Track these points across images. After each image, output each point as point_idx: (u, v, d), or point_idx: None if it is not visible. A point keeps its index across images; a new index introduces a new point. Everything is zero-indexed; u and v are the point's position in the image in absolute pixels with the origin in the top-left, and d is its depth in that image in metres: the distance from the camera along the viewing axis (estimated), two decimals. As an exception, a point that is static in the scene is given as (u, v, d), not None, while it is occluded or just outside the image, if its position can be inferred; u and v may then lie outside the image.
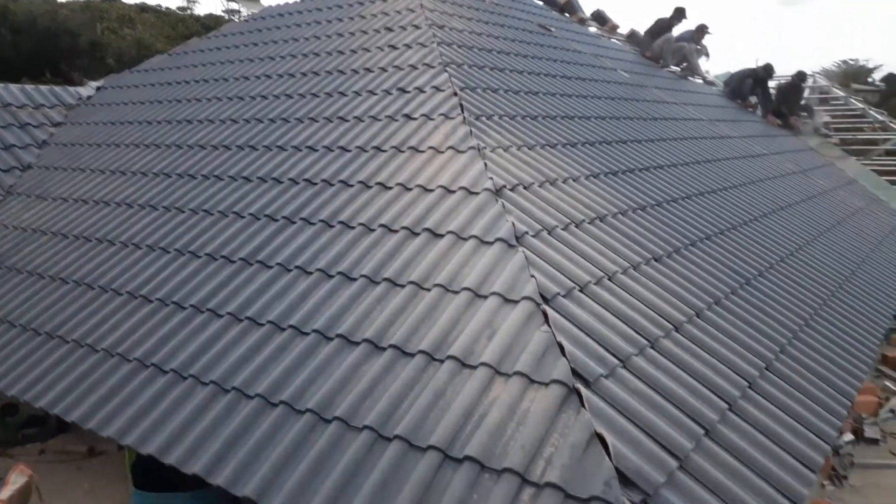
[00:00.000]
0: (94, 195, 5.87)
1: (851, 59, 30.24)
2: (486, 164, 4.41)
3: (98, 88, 8.63)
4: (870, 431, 5.85)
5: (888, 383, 6.89)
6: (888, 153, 13.37)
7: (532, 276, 3.47)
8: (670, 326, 3.63)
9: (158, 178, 5.79)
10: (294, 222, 4.49)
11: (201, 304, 4.08)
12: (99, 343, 4.11)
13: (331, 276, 3.91)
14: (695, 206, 5.71)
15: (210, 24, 18.67)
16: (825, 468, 5.21)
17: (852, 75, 27.14)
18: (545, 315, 3.24)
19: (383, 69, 6.01)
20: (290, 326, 3.65)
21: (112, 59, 17.50)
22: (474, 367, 3.07)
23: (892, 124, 14.10)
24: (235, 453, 3.06)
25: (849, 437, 5.74)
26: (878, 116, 14.50)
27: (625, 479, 2.47)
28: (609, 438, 2.58)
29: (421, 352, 3.22)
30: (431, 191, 4.33)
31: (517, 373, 2.97)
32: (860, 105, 15.08)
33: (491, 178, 4.25)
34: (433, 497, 2.59)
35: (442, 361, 3.15)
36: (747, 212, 6.30)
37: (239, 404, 3.33)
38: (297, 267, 4.07)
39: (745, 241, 5.54)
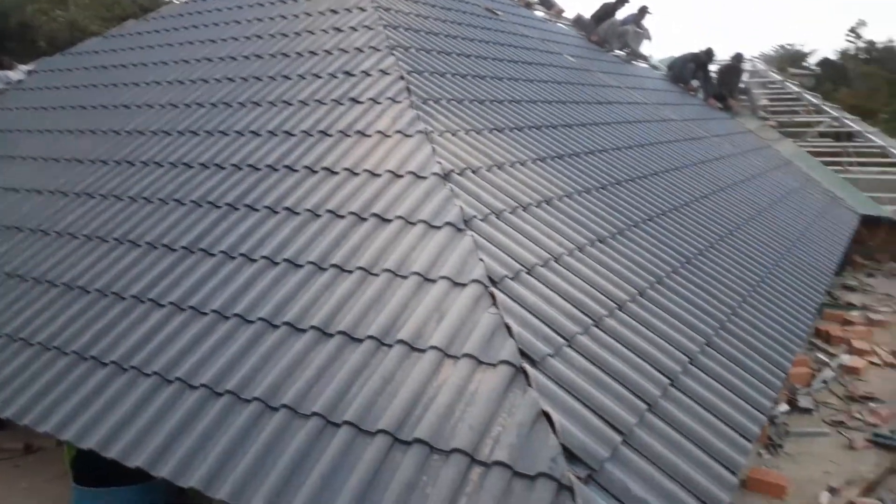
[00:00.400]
0: (25, 183, 5.64)
1: (788, 44, 31.25)
2: (433, 149, 4.40)
3: (29, 72, 8.29)
4: (803, 401, 6.11)
5: (820, 355, 7.19)
6: (821, 135, 13.88)
7: (480, 259, 3.49)
8: (614, 305, 3.70)
9: (95, 165, 5.60)
10: (237, 209, 4.41)
11: (142, 294, 3.97)
12: (34, 337, 3.97)
13: (276, 264, 3.85)
14: (638, 189, 5.83)
15: (148, 5, 18.00)
16: (762, 437, 5.42)
17: (789, 59, 28.04)
18: (493, 297, 3.27)
19: (329, 52, 5.92)
20: (235, 315, 3.59)
21: (43, 41, 16.75)
22: (423, 351, 3.08)
23: (825, 107, 14.63)
24: (180, 445, 3.01)
25: (784, 407, 5.99)
26: (813, 99, 15.02)
27: (571, 455, 2.52)
28: (555, 416, 2.63)
29: (370, 337, 3.21)
30: (379, 175, 4.30)
31: (466, 355, 2.99)
32: (796, 88, 15.59)
33: (439, 163, 4.25)
34: (382, 480, 2.60)
35: (391, 346, 3.15)
36: (688, 193, 6.46)
37: (183, 395, 3.27)
38: (241, 254, 4.00)
39: (687, 221, 5.68)
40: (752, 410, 3.48)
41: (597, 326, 3.45)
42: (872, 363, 6.99)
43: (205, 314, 3.69)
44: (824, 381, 6.57)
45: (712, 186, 7.14)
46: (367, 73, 5.39)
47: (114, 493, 3.59)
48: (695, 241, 5.31)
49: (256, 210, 4.34)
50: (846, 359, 7.02)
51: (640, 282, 4.14)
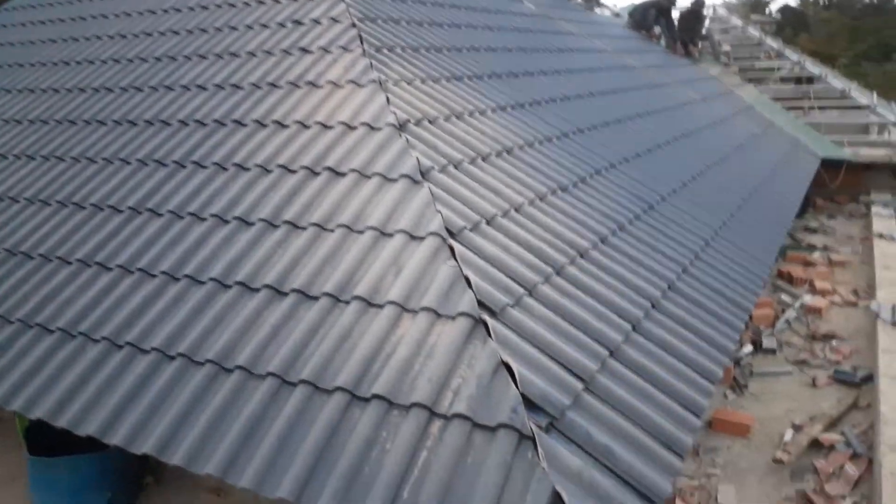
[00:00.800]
0: (-39, 147, 5.34)
1: (749, -10, 31.10)
2: (388, 98, 4.25)
3: (-40, 30, 7.80)
4: (767, 342, 6.20)
5: (784, 296, 7.30)
6: (782, 80, 13.91)
7: (438, 211, 3.39)
8: (576, 253, 3.65)
9: (35, 125, 5.32)
10: (185, 166, 4.23)
11: (88, 258, 3.80)
12: (-25, 306, 3.78)
13: (227, 222, 3.71)
14: (600, 137, 5.75)
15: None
16: (727, 379, 5.50)
17: (751, 6, 27.96)
18: (452, 249, 3.18)
19: (276, 1, 5.66)
20: (186, 276, 3.45)
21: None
22: (381, 307, 3.00)
23: (785, 52, 14.63)
24: (132, 411, 2.90)
25: (748, 348, 6.07)
26: (774, 45, 15.01)
27: (531, 405, 2.48)
28: (515, 366, 2.58)
29: (325, 294, 3.11)
30: (331, 127, 4.14)
31: (424, 308, 2.91)
32: (757, 34, 15.55)
33: (394, 113, 4.10)
34: (341, 438, 2.53)
35: (347, 303, 3.06)
36: (651, 140, 6.40)
37: (134, 360, 3.14)
38: (190, 213, 3.84)
39: (650, 168, 5.64)
40: (716, 353, 3.48)
41: (558, 275, 3.40)
42: (834, 303, 7.12)
43: (154, 276, 3.54)
44: (787, 322, 6.67)
45: (675, 133, 7.09)
46: (316, 22, 5.17)
47: (69, 461, 3.48)
48: (658, 188, 5.27)
49: (204, 167, 4.16)
50: (808, 299, 7.13)
51: (603, 229, 4.09)
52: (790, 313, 6.82)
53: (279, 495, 2.40)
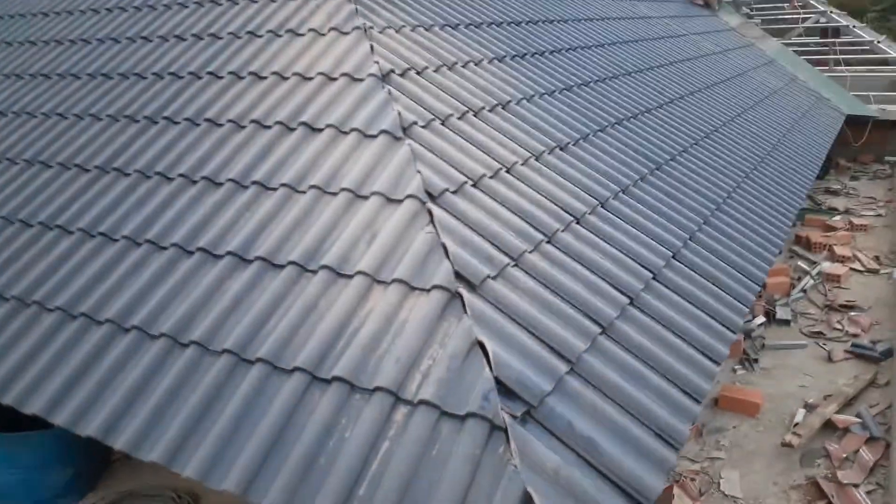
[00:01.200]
0: (-69, 102, 5.08)
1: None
2: (372, 47, 3.91)
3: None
4: (781, 312, 5.89)
5: (801, 263, 6.95)
6: (808, 32, 13.23)
7: (418, 171, 3.09)
8: (571, 219, 3.34)
9: (9, 80, 5.04)
10: (156, 122, 3.94)
11: (50, 221, 3.56)
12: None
13: (194, 182, 3.43)
14: (608, 90, 5.36)
15: None
16: (736, 352, 5.22)
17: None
18: (430, 214, 2.90)
19: (261, -56, 5.27)
20: (147, 241, 3.20)
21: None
22: (350, 277, 2.73)
23: (812, 2, 13.90)
24: (80, 388, 2.68)
25: (760, 319, 5.76)
26: (800, -5, 14.27)
27: (506, 390, 2.22)
28: (490, 346, 2.31)
29: (291, 263, 2.85)
30: (310, 79, 3.83)
31: (396, 280, 2.64)
32: (783, -16, 14.79)
33: (377, 63, 3.77)
34: (296, 425, 2.30)
35: (315, 272, 2.79)
36: (663, 94, 6.00)
37: (88, 332, 2.92)
38: (157, 173, 3.57)
39: (659, 124, 5.26)
40: (722, 328, 3.19)
41: (549, 242, 3.10)
42: (854, 270, 6.76)
43: (115, 241, 3.30)
44: (803, 291, 6.34)
45: (689, 87, 6.66)
46: (301, -35, 4.79)
47: (28, 438, 3.29)
48: (667, 146, 4.90)
49: (176, 123, 3.87)
50: (827, 266, 6.77)
51: (603, 191, 3.77)
52: (807, 281, 6.48)
53: (224, 487, 2.18)
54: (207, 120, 3.78)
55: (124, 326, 2.86)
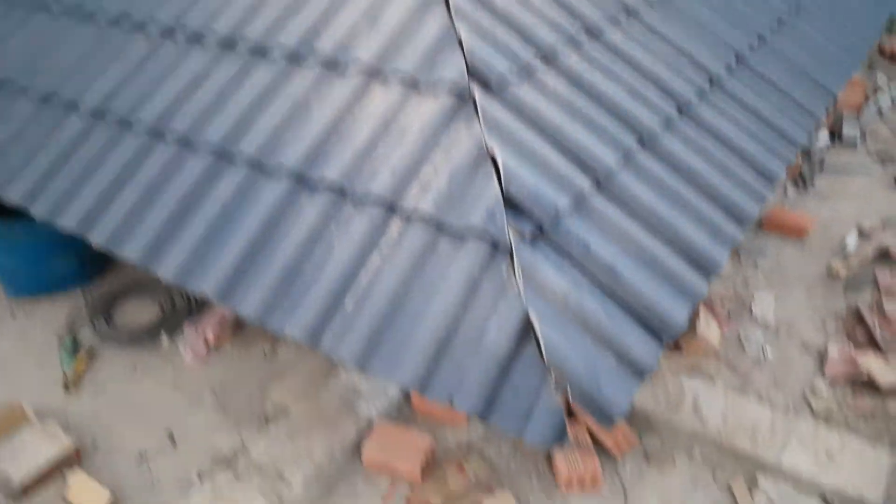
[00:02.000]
0: None
1: None
2: None
3: None
4: (848, 129, 5.29)
5: (880, 77, 6.17)
6: None
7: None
8: (621, 11, 2.81)
9: None
10: None
11: (29, -2, 3.19)
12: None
13: (180, -47, 2.96)
14: None
15: None
16: (791, 172, 4.76)
17: None
18: (446, -4, 2.43)
19: None
20: (130, 23, 2.84)
21: None
22: (346, 67, 2.35)
23: None
24: (58, 179, 2.50)
25: (824, 137, 5.21)
26: None
27: (515, 207, 1.92)
28: (501, 157, 1.97)
29: (282, 50, 2.47)
30: None
31: (400, 73, 2.26)
32: None
33: None
34: (281, 229, 2.07)
35: (306, 60, 2.42)
36: None
37: (67, 120, 2.67)
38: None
39: None
40: (781, 145, 2.76)
41: (593, 38, 2.62)
42: (940, 87, 5.98)
43: (97, 22, 2.94)
44: (878, 108, 5.67)
45: None
46: None
47: (27, 226, 3.17)
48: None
49: None
50: (910, 83, 6.00)
51: (662, -22, 3.17)
52: (883, 99, 5.77)
53: (203, 289, 2.01)
54: None
55: (104, 117, 2.59)
